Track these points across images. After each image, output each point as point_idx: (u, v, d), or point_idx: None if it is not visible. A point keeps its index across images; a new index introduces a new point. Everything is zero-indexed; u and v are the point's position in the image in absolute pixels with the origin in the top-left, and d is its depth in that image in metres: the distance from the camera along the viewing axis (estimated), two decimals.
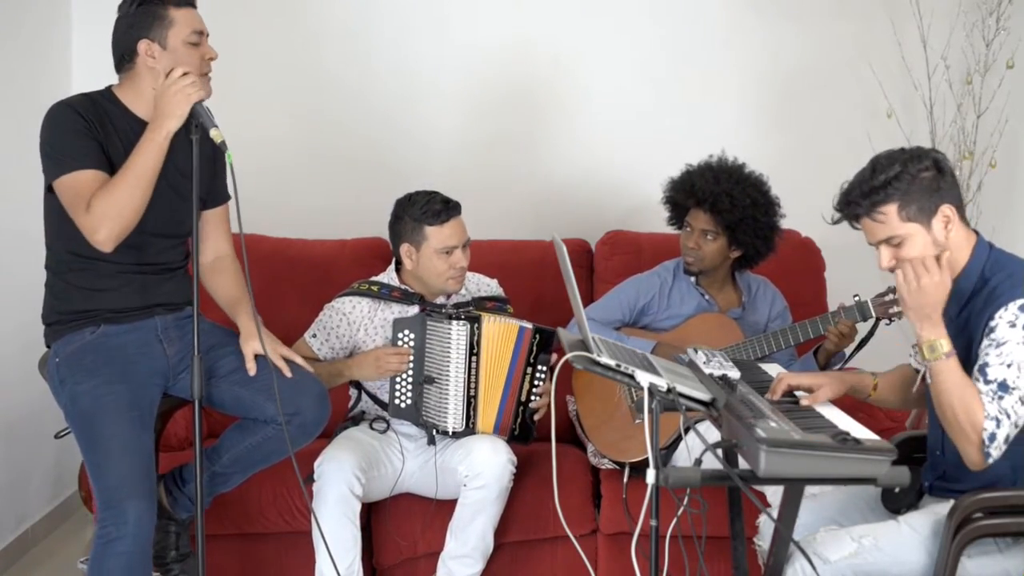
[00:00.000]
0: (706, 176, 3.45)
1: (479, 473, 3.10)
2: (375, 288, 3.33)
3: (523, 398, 3.24)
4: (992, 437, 2.31)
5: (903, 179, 2.39)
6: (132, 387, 2.75)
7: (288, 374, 2.85)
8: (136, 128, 2.75)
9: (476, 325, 3.19)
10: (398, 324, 3.23)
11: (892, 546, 2.42)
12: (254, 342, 2.84)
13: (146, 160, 2.66)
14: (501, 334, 3.22)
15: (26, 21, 3.97)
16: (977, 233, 2.49)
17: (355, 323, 3.31)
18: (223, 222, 3.02)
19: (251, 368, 2.84)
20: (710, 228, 3.44)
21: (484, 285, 3.46)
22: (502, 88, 4.33)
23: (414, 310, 3.30)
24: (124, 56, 2.77)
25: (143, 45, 2.74)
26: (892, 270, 2.44)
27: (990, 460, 2.32)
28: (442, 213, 3.24)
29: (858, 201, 2.43)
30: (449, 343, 3.18)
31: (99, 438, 2.69)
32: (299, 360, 2.90)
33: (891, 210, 2.40)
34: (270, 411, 2.82)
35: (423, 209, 3.25)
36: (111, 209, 2.63)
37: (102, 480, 2.68)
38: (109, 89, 2.83)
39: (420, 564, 3.28)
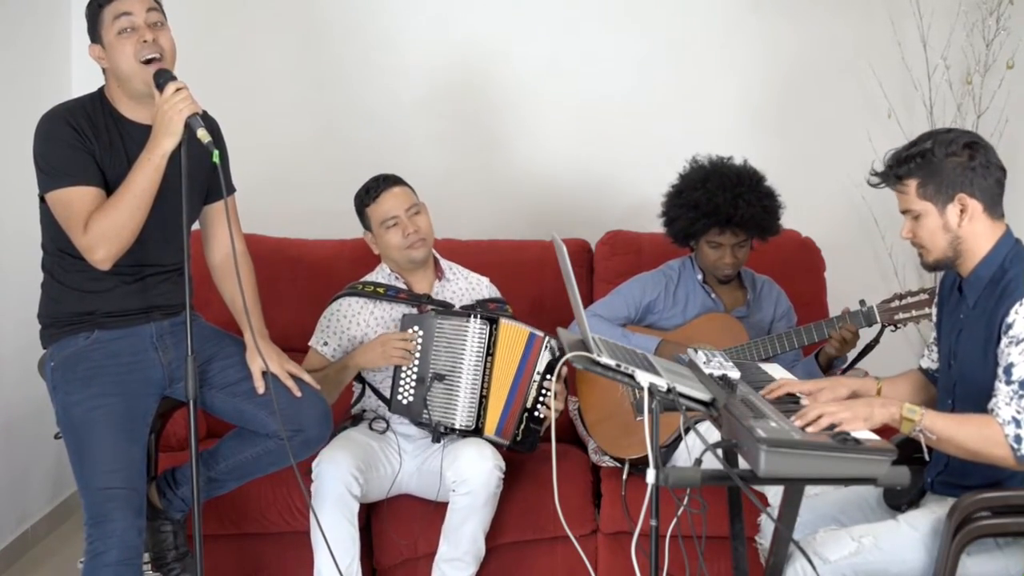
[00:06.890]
0: (724, 193, 3.32)
1: (465, 479, 3.09)
2: (381, 290, 3.33)
3: (528, 405, 3.23)
4: (1019, 439, 2.30)
5: (927, 158, 2.43)
6: (125, 398, 2.74)
7: (298, 394, 2.84)
8: (126, 130, 2.74)
9: (495, 326, 3.18)
10: (407, 320, 3.22)
11: (892, 545, 2.42)
12: (260, 360, 2.81)
13: (143, 180, 2.64)
14: (514, 338, 3.21)
15: (26, 22, 3.97)
16: (1008, 226, 2.49)
17: (357, 320, 3.31)
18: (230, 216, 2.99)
19: (260, 387, 2.82)
20: (740, 239, 3.40)
21: (476, 283, 3.46)
22: (502, 88, 4.33)
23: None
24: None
25: (95, 50, 2.75)
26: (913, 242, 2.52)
27: None
28: (372, 190, 3.31)
29: (888, 169, 2.51)
30: (465, 340, 3.17)
31: (87, 452, 2.69)
32: (307, 377, 2.89)
33: (912, 184, 2.46)
34: (272, 426, 2.81)
35: (358, 196, 3.34)
36: (109, 230, 2.63)
37: (88, 495, 2.68)
38: (101, 90, 2.81)
39: (420, 565, 3.27)
